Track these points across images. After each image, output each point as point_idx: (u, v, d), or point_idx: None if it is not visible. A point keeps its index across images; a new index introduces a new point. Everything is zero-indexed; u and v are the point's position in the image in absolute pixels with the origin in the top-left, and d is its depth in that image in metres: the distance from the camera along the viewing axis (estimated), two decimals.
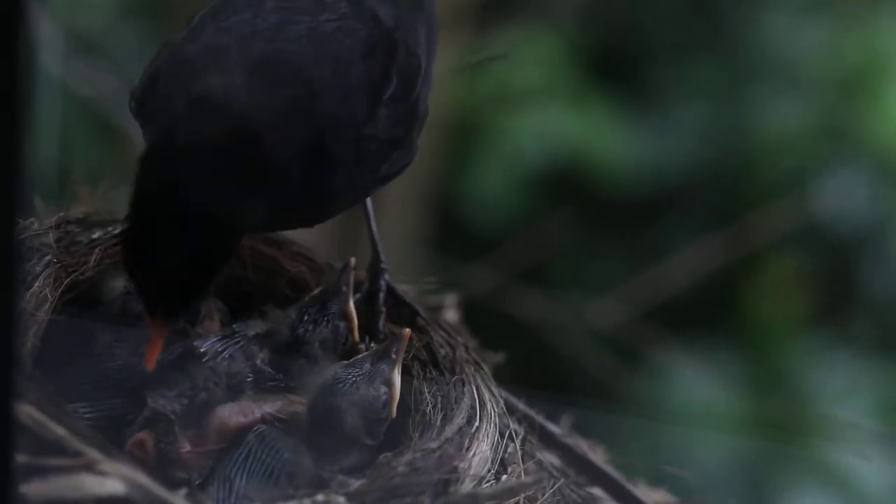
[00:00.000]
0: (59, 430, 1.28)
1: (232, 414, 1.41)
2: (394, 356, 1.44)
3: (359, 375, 1.42)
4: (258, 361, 1.45)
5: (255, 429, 1.40)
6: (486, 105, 2.99)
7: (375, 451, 1.41)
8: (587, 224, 3.05)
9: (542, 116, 3.00)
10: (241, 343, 1.45)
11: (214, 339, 1.45)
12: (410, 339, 1.47)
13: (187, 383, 1.42)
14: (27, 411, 1.28)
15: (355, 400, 1.42)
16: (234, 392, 1.42)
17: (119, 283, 1.46)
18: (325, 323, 1.48)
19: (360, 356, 1.45)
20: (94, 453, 1.28)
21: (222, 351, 1.44)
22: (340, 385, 1.42)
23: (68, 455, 1.27)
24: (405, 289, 1.59)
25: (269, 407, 1.42)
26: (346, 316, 1.49)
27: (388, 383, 1.43)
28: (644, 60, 3.14)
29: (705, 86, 3.09)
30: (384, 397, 1.42)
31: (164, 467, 1.36)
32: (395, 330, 1.50)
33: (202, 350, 1.43)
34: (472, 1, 2.97)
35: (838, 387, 2.91)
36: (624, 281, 2.73)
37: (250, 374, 1.44)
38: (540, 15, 3.04)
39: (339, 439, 1.41)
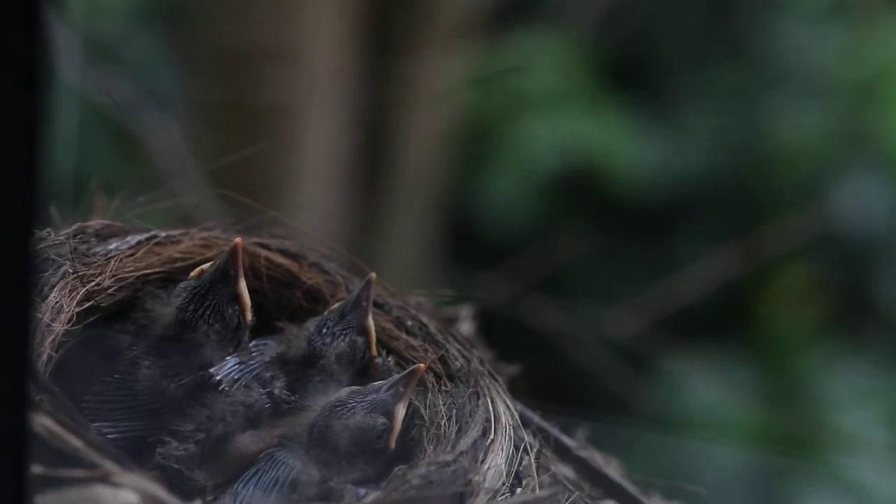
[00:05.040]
0: (75, 442, 1.28)
1: (250, 442, 1.41)
2: (402, 389, 1.42)
3: (360, 402, 1.41)
4: (275, 391, 1.44)
5: (268, 451, 1.40)
6: (500, 113, 2.99)
7: (389, 463, 1.41)
8: (602, 232, 3.05)
9: (557, 123, 2.99)
10: (258, 370, 1.45)
11: (232, 364, 1.44)
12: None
13: (205, 414, 1.41)
14: (42, 422, 1.27)
15: (350, 425, 1.40)
16: (251, 422, 1.42)
17: (169, 310, 1.45)
18: (343, 337, 1.47)
19: (374, 383, 1.44)
20: (108, 465, 1.28)
21: (239, 379, 1.44)
22: (340, 408, 1.41)
23: (83, 466, 1.27)
24: (421, 301, 1.58)
25: (285, 430, 1.41)
26: (364, 330, 1.48)
27: (389, 415, 1.41)
28: (660, 67, 3.14)
29: (721, 93, 3.09)
30: (381, 428, 1.40)
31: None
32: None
33: (218, 378, 1.43)
34: (487, 9, 2.97)
35: (851, 396, 2.91)
36: (639, 290, 2.72)
37: (267, 403, 1.44)
38: (555, 22, 3.03)
39: (337, 457, 1.40)
